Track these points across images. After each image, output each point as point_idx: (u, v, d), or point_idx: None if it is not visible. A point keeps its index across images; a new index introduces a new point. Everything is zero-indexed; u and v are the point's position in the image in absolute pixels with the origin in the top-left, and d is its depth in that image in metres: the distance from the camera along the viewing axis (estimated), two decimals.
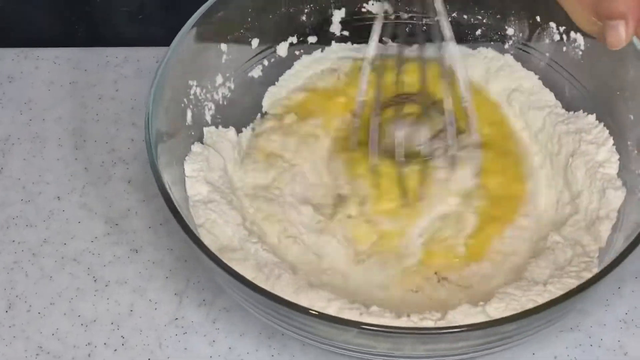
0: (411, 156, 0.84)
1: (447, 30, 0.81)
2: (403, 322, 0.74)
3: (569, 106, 0.87)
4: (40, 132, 0.93)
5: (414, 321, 0.74)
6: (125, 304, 0.82)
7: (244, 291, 0.72)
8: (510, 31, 0.90)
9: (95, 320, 0.82)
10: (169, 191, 0.75)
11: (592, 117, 0.85)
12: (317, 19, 0.90)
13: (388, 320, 0.74)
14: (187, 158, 0.82)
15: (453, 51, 0.82)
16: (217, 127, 0.86)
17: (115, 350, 0.80)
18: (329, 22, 0.91)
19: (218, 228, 0.79)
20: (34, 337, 0.81)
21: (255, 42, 0.88)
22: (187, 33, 0.82)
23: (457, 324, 0.73)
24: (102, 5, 1.01)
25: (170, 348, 0.80)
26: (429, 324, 0.74)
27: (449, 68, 0.83)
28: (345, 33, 0.91)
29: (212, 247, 0.75)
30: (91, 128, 0.93)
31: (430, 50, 0.85)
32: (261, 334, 0.80)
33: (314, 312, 0.70)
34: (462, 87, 0.83)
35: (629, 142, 0.82)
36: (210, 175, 0.82)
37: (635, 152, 0.81)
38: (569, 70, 0.87)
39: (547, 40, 0.89)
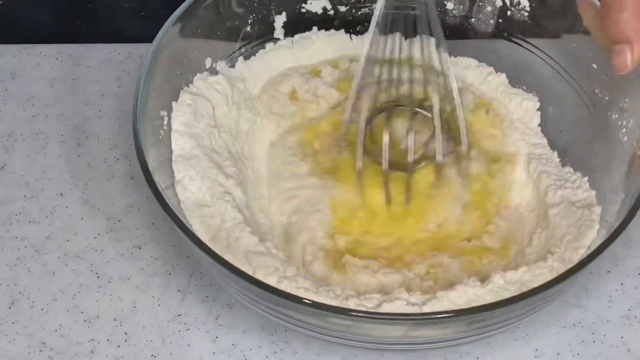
0: (399, 165, 0.82)
1: (436, 28, 0.80)
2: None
3: (523, 69, 0.88)
4: (43, 129, 0.93)
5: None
6: (128, 301, 0.83)
7: (241, 284, 0.72)
8: (450, 5, 0.89)
9: (98, 317, 0.82)
10: (162, 192, 0.76)
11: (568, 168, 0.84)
12: (260, 27, 0.89)
13: (405, 306, 0.74)
14: (174, 109, 0.82)
15: (443, 56, 0.82)
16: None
17: (119, 346, 0.80)
18: (272, 28, 0.90)
19: (194, 185, 0.80)
20: (37, 333, 0.81)
21: (208, 61, 0.86)
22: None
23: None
24: (104, 2, 1.01)
25: (173, 344, 0.80)
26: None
27: (439, 73, 0.83)
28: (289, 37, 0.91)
29: (186, 203, 0.79)
30: (93, 124, 0.93)
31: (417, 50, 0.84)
32: (264, 330, 0.80)
33: (307, 301, 0.70)
34: (455, 95, 0.82)
35: (596, 90, 0.82)
36: (196, 126, 0.83)
37: (606, 99, 0.81)
38: (517, 33, 0.87)
39: (489, 8, 0.88)
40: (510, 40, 0.88)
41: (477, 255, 0.80)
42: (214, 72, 0.86)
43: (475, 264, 0.79)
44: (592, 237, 0.77)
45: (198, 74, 0.85)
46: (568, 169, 0.83)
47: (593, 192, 0.81)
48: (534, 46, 0.87)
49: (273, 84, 0.88)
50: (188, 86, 0.84)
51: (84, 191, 0.89)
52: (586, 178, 0.82)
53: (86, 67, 0.97)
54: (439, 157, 0.82)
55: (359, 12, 0.90)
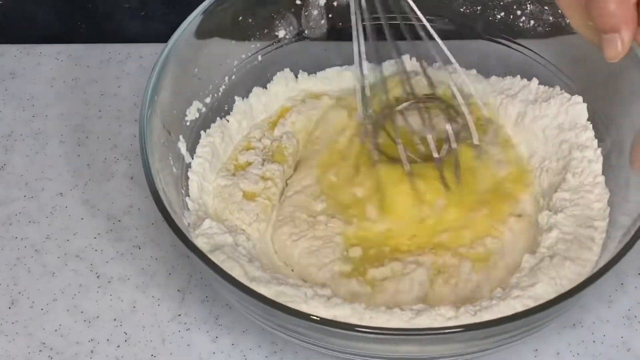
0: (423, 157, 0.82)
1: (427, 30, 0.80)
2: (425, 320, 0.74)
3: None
4: (43, 129, 0.93)
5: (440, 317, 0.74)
6: (128, 301, 0.83)
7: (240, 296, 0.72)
8: (281, 33, 0.89)
9: (98, 317, 0.82)
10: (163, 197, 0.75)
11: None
12: (179, 166, 0.83)
13: (398, 321, 0.74)
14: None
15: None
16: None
17: (118, 346, 0.80)
18: (182, 157, 0.83)
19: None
20: (37, 333, 0.81)
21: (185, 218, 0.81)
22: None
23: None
24: (104, 2, 1.01)
25: (173, 344, 0.80)
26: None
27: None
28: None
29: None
30: (93, 125, 0.93)
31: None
32: (264, 330, 0.80)
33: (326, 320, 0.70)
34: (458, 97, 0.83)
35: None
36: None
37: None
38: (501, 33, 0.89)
39: (315, 12, 0.88)
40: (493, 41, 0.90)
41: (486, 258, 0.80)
42: (194, 226, 0.81)
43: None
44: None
45: (193, 238, 0.79)
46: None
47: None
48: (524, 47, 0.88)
49: (222, 202, 0.84)
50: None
51: (83, 191, 0.89)
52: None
53: (86, 67, 0.98)
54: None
55: (220, 92, 0.87)
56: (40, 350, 0.80)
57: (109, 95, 0.95)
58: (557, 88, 0.86)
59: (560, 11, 0.82)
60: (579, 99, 0.84)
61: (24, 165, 0.91)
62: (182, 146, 0.83)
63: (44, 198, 0.89)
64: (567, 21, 0.78)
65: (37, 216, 0.88)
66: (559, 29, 0.86)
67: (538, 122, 0.85)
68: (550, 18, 0.87)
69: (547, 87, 0.87)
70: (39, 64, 0.98)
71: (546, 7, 0.87)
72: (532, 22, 0.87)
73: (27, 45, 0.99)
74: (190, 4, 0.84)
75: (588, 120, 0.84)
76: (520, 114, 0.86)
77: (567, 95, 0.85)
